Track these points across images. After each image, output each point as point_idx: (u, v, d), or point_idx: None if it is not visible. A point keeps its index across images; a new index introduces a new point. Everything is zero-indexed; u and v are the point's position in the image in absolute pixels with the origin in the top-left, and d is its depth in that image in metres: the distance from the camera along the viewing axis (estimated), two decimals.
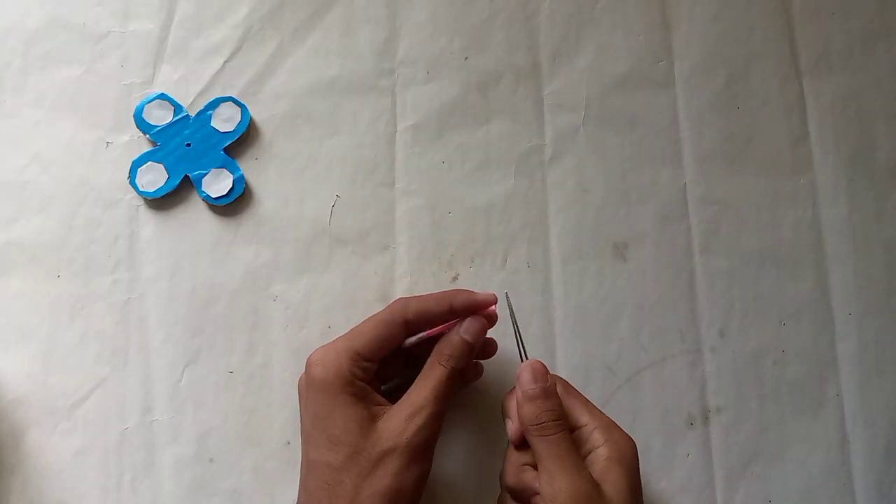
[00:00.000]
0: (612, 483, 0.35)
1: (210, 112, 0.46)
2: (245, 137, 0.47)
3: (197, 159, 0.46)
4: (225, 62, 0.48)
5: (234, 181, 0.46)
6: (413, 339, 0.40)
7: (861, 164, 0.50)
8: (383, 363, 0.40)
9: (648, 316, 0.47)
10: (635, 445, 0.37)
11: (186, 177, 0.46)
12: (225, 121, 0.46)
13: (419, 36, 0.49)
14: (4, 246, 0.45)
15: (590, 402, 0.39)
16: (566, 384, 0.40)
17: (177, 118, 0.46)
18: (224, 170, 0.46)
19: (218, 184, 0.45)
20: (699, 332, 0.47)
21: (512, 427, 0.39)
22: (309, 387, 0.38)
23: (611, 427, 0.37)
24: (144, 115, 0.46)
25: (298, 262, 0.46)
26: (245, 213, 0.46)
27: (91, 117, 0.47)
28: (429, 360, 0.39)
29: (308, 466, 0.37)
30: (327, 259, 0.46)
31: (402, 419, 0.37)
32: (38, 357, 0.44)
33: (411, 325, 0.39)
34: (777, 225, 0.49)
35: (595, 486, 0.35)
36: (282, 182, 0.47)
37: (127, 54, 0.48)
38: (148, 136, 0.46)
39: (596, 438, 0.37)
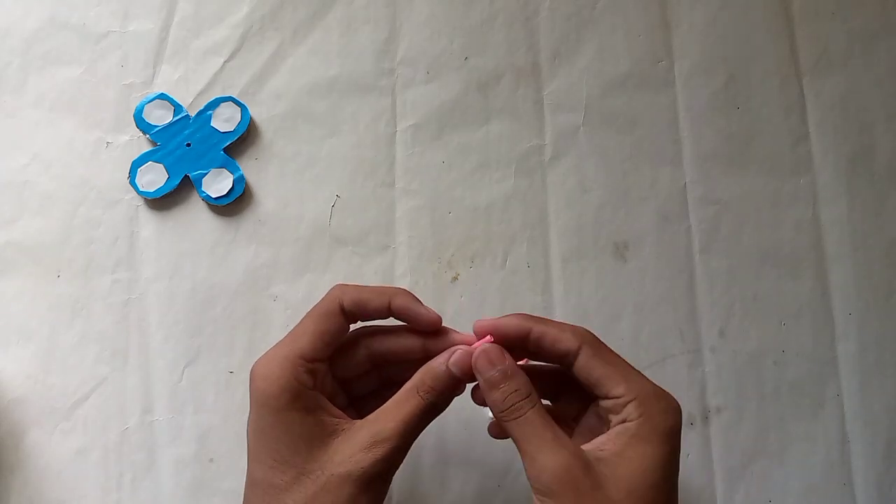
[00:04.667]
0: (624, 460, 0.32)
1: (210, 112, 0.46)
2: (245, 137, 0.47)
3: (197, 159, 0.46)
4: (225, 62, 0.48)
5: (234, 181, 0.46)
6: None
7: (861, 164, 0.50)
8: (349, 372, 0.37)
9: (648, 316, 0.47)
10: (678, 416, 0.33)
11: (186, 177, 0.46)
12: (225, 121, 0.46)
13: (419, 36, 0.49)
14: (4, 246, 0.45)
15: (630, 367, 0.34)
16: (599, 346, 0.35)
17: (177, 118, 0.46)
18: (224, 170, 0.46)
19: (218, 184, 0.45)
20: (699, 332, 0.47)
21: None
22: (253, 402, 0.34)
23: (649, 398, 0.33)
24: (144, 115, 0.46)
25: (298, 262, 0.46)
26: (245, 213, 0.46)
27: (91, 117, 0.47)
28: (406, 386, 0.35)
29: (251, 485, 0.34)
30: (327, 259, 0.46)
31: (360, 446, 0.33)
32: (38, 357, 0.44)
33: (350, 314, 0.35)
34: (777, 225, 0.49)
35: (581, 459, 0.31)
36: (282, 182, 0.47)
37: (127, 54, 0.48)
38: (148, 135, 0.46)
39: (629, 412, 0.33)
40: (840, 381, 0.47)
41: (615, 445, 0.32)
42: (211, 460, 0.43)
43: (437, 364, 0.35)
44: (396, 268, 0.46)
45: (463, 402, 0.45)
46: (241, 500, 0.40)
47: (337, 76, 0.49)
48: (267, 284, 0.46)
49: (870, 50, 0.51)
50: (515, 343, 0.35)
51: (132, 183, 0.45)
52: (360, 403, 0.38)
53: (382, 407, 0.34)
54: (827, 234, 0.49)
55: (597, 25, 0.50)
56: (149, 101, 0.46)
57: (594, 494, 0.31)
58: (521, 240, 0.47)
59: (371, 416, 0.34)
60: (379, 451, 0.33)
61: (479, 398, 0.36)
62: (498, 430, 0.36)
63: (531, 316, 0.35)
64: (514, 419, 0.33)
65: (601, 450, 0.33)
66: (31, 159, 0.46)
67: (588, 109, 0.49)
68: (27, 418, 0.43)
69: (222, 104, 0.46)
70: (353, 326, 0.37)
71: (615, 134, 0.49)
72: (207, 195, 0.45)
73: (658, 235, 0.48)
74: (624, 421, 0.33)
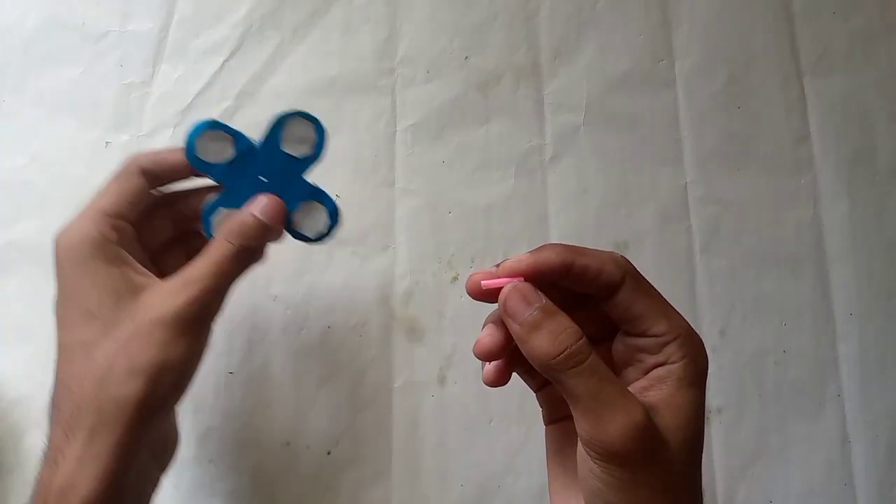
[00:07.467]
0: (675, 408, 0.28)
1: (278, 134, 0.36)
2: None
3: (278, 195, 0.36)
4: (224, 62, 0.48)
5: (328, 213, 0.37)
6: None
7: (862, 164, 0.50)
8: (155, 239, 0.36)
9: None
10: (706, 356, 0.30)
11: None
12: (298, 142, 0.36)
13: (419, 36, 0.49)
14: (4, 246, 0.45)
15: (667, 302, 0.30)
16: (639, 277, 0.30)
17: (240, 150, 0.35)
18: (314, 202, 0.37)
19: (312, 220, 0.37)
20: (700, 332, 0.46)
21: (492, 369, 0.32)
22: (56, 262, 0.33)
23: (690, 338, 0.29)
24: (199, 153, 0.35)
25: (298, 262, 0.46)
26: None
27: (91, 117, 0.47)
28: (213, 239, 0.34)
29: (60, 351, 0.32)
30: (327, 259, 0.46)
31: (171, 290, 0.32)
32: (38, 357, 0.44)
33: (150, 173, 0.35)
34: (778, 225, 0.49)
35: (648, 415, 0.27)
36: None
37: (126, 54, 0.48)
38: (210, 177, 0.36)
39: (671, 352, 0.29)
40: (841, 382, 0.47)
41: (660, 391, 0.28)
42: (210, 461, 0.43)
43: (244, 213, 0.34)
44: (396, 268, 0.46)
45: (463, 403, 0.45)
46: (241, 500, 0.40)
47: (337, 76, 0.49)
48: (267, 284, 0.46)
49: (870, 50, 0.51)
50: (550, 281, 0.30)
51: (208, 235, 0.35)
52: (169, 273, 0.34)
53: (194, 259, 0.33)
54: (828, 235, 0.49)
55: (597, 25, 0.50)
56: (198, 134, 0.35)
57: (662, 454, 0.27)
58: (521, 240, 0.47)
59: (182, 269, 0.33)
60: (192, 291, 0.31)
61: (488, 348, 0.31)
62: (497, 375, 0.31)
63: (566, 246, 0.30)
64: (572, 368, 0.27)
65: (643, 395, 0.29)
66: (30, 159, 0.46)
67: (588, 109, 0.49)
68: (27, 418, 0.43)
69: (290, 122, 0.36)
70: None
71: (615, 134, 0.49)
72: (304, 235, 0.37)
73: (659, 235, 0.48)
74: (664, 363, 0.29)
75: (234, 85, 0.48)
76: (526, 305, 0.28)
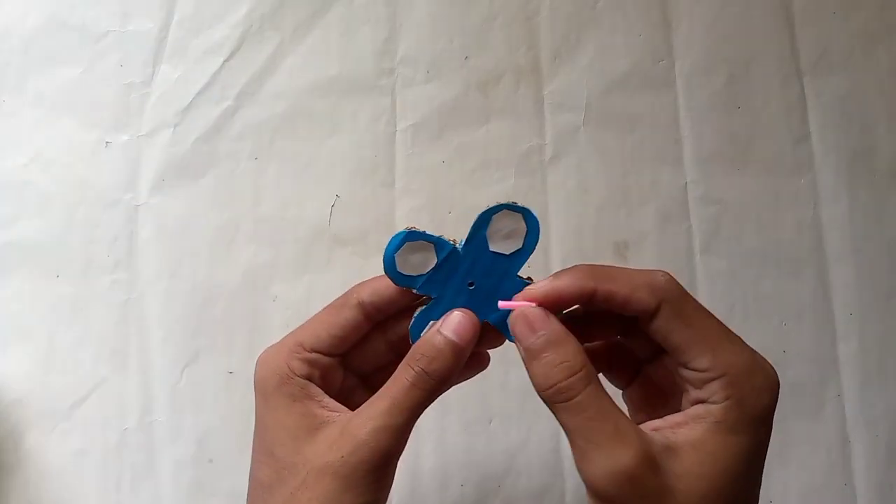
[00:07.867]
0: (703, 454, 0.26)
1: (483, 233, 0.32)
2: (242, 135, 0.47)
3: (488, 299, 0.32)
4: (224, 62, 0.48)
5: None
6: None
7: (862, 165, 0.50)
8: (369, 365, 0.33)
9: None
10: (774, 393, 0.28)
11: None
12: (506, 238, 0.32)
13: (419, 36, 0.49)
14: (4, 246, 0.45)
15: (721, 329, 0.28)
16: (682, 302, 0.27)
17: (443, 257, 0.32)
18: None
19: None
20: None
21: None
22: (254, 391, 0.31)
23: (742, 377, 0.27)
24: (399, 268, 0.32)
25: (298, 262, 0.46)
26: (245, 213, 0.46)
27: (91, 117, 0.47)
28: (402, 362, 0.30)
29: (248, 486, 0.31)
30: (327, 259, 0.46)
31: (343, 431, 0.28)
32: (38, 357, 0.44)
33: (369, 307, 0.31)
34: (778, 225, 0.49)
35: (647, 458, 0.25)
36: (282, 182, 0.47)
37: (126, 54, 0.48)
38: (414, 290, 0.32)
39: (714, 391, 0.26)
40: (841, 382, 0.47)
41: (692, 431, 0.26)
42: (210, 461, 0.43)
43: (432, 332, 0.29)
44: None
45: (463, 403, 0.45)
46: (241, 500, 0.40)
47: (337, 76, 0.49)
48: (267, 284, 0.46)
49: (870, 50, 0.51)
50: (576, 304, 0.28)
51: None
52: None
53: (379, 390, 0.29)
54: (828, 235, 0.49)
55: (597, 25, 0.50)
56: (396, 249, 0.32)
57: (662, 502, 0.26)
58: None
59: (366, 402, 0.29)
60: (362, 433, 0.28)
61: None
62: None
63: (595, 268, 0.28)
64: (563, 402, 0.26)
65: (673, 431, 0.27)
66: (31, 159, 0.46)
67: (588, 109, 0.49)
68: (27, 418, 0.43)
69: (495, 217, 0.32)
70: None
71: (615, 134, 0.49)
72: None
73: (658, 235, 0.48)
74: (705, 400, 0.27)
75: (234, 85, 0.48)
76: (530, 332, 0.28)
